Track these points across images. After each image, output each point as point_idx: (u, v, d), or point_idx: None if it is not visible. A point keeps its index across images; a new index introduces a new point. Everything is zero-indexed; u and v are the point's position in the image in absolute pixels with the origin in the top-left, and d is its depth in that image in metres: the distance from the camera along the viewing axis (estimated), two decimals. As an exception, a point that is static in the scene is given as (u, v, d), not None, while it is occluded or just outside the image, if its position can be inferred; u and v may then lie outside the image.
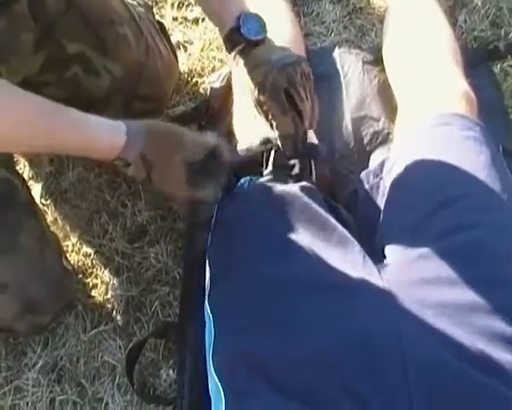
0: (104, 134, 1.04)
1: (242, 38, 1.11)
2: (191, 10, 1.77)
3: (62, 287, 1.33)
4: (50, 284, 1.28)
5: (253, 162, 1.21)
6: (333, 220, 1.13)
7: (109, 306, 1.37)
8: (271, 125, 1.13)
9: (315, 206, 1.12)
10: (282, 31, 1.47)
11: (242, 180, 1.18)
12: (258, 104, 1.13)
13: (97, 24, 1.29)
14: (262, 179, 1.18)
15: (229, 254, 1.13)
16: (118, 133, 1.04)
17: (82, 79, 1.31)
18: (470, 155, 1.17)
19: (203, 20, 1.74)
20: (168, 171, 1.08)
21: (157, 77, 1.42)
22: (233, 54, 1.14)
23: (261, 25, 1.13)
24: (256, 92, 1.11)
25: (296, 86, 1.09)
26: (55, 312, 1.33)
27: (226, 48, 1.16)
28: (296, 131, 1.12)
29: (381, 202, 1.25)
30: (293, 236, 1.08)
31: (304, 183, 1.16)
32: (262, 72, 1.10)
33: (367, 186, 1.33)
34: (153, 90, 1.41)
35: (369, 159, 1.41)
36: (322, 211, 1.13)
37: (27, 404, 1.28)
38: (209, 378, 1.03)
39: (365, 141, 1.44)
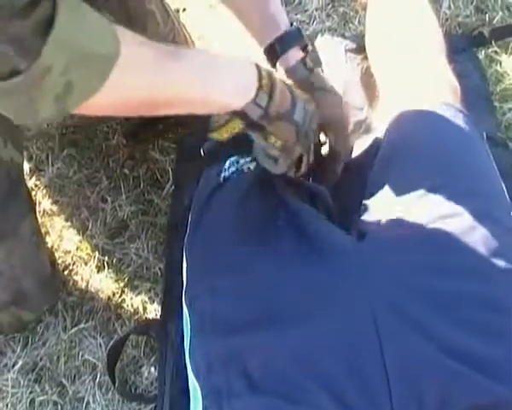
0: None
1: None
2: (172, 1, 1.74)
3: (51, 286, 1.33)
4: (42, 280, 1.29)
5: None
6: (315, 212, 1.10)
7: (90, 303, 1.36)
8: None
9: (296, 201, 1.10)
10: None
11: (228, 163, 1.16)
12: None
13: None
14: (249, 166, 1.16)
15: (206, 246, 1.11)
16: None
17: None
18: (454, 143, 1.15)
19: (184, 10, 1.71)
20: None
21: None
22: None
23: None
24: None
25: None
26: (39, 310, 1.33)
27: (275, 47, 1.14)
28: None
29: (362, 189, 1.23)
30: (274, 233, 1.06)
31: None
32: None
33: (349, 174, 1.30)
34: None
35: (352, 148, 1.39)
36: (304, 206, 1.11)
37: (7, 405, 1.26)
38: (188, 377, 1.02)
39: (348, 130, 1.41)
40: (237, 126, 0.98)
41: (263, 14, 1.13)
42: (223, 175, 1.14)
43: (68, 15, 0.72)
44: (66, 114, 0.79)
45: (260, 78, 0.94)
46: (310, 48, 1.15)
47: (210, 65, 0.92)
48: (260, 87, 0.93)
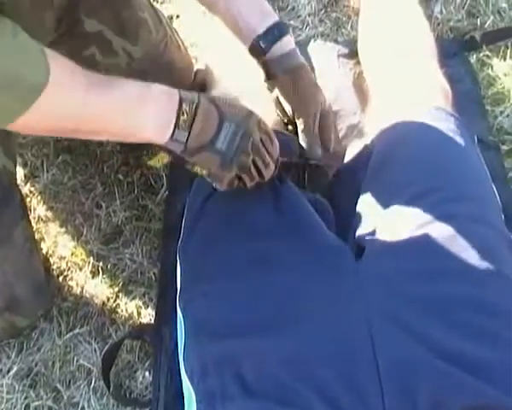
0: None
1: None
2: (166, 8, 1.75)
3: (45, 292, 1.33)
4: (36, 286, 1.29)
5: None
6: (310, 216, 1.11)
7: (84, 309, 1.36)
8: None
9: (294, 201, 1.11)
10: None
11: None
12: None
13: (117, 6, 1.26)
14: None
15: (200, 251, 1.12)
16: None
17: (99, 60, 1.28)
18: (445, 147, 1.16)
19: (177, 16, 1.72)
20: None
21: (175, 68, 1.40)
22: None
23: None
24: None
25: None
26: (33, 316, 1.33)
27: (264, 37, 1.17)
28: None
29: (356, 195, 1.24)
30: (270, 239, 1.07)
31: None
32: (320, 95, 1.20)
33: (342, 180, 1.31)
34: (172, 80, 1.37)
35: (345, 152, 1.39)
36: (301, 206, 1.11)
37: (2, 411, 1.27)
38: (182, 381, 1.02)
39: (341, 135, 1.42)
40: (166, 157, 1.03)
41: (251, 5, 1.17)
42: None
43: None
44: None
45: (179, 114, 0.96)
46: None
47: (135, 102, 0.94)
48: (177, 125, 0.96)
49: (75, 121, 0.92)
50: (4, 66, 0.79)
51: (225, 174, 1.03)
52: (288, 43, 1.17)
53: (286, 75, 1.17)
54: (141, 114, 0.95)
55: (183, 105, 0.96)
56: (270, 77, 1.19)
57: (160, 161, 1.06)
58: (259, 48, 1.16)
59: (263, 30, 1.15)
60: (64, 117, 0.91)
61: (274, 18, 1.17)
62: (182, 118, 0.96)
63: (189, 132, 0.97)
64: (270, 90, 1.22)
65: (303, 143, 1.17)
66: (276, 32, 1.16)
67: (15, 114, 0.84)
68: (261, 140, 1.04)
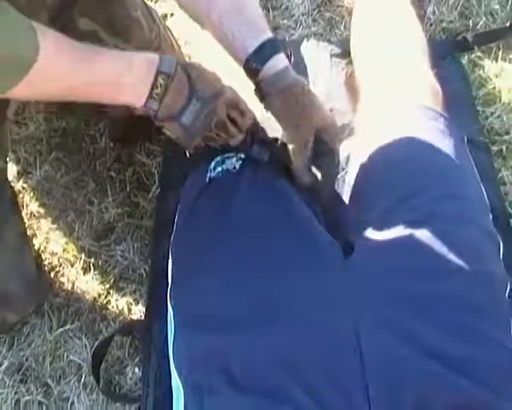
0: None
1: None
2: (160, 6, 1.75)
3: (37, 288, 1.34)
4: (27, 282, 1.29)
5: None
6: (300, 210, 1.12)
7: (75, 305, 1.37)
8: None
9: (288, 203, 1.12)
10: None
11: (213, 164, 1.17)
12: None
13: (110, 5, 1.28)
14: (235, 165, 1.17)
15: (192, 246, 1.13)
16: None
17: None
18: (433, 148, 1.16)
19: (172, 15, 1.73)
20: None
21: None
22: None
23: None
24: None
25: (324, 142, 1.11)
26: (24, 312, 1.33)
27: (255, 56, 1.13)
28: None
29: (346, 195, 1.25)
30: (262, 234, 1.08)
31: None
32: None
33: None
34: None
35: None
36: (293, 201, 1.12)
37: (-8, 405, 1.27)
38: (171, 375, 1.03)
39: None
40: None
41: (243, 21, 1.13)
42: (208, 175, 1.15)
43: None
44: None
45: (153, 87, 1.03)
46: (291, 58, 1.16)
47: (116, 73, 1.02)
48: (150, 96, 1.03)
49: (64, 90, 1.01)
50: None
51: (190, 142, 1.11)
52: (280, 60, 1.11)
53: (277, 96, 1.11)
54: (121, 82, 1.02)
55: (159, 79, 1.03)
56: (263, 98, 1.13)
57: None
58: (251, 68, 1.11)
59: (254, 48, 1.10)
60: (53, 87, 0.99)
61: (267, 35, 1.11)
62: (155, 91, 1.03)
63: (161, 102, 1.04)
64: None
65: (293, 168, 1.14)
66: (267, 50, 1.10)
67: (6, 87, 0.91)
68: (229, 117, 1.10)
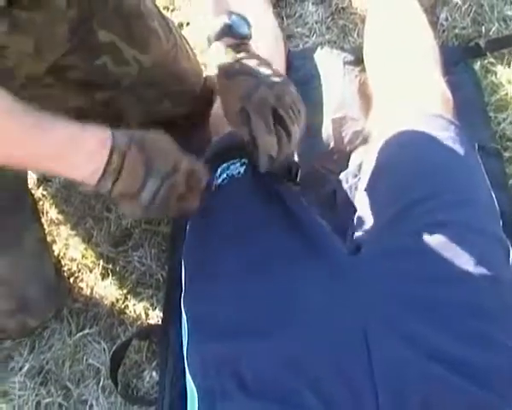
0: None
1: (232, 33, 1.13)
2: (176, 16, 1.78)
3: (56, 293, 1.37)
4: (46, 287, 1.33)
5: (236, 148, 1.20)
6: (307, 218, 1.13)
7: (94, 309, 1.40)
8: (252, 140, 1.08)
9: (295, 206, 1.14)
10: (265, 33, 1.50)
11: (219, 170, 1.18)
12: (241, 115, 1.09)
13: (128, 16, 1.28)
14: (240, 170, 1.18)
15: (203, 253, 1.15)
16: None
17: (111, 69, 1.29)
18: (444, 155, 1.17)
19: (188, 24, 1.76)
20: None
21: (185, 76, 1.42)
22: (221, 47, 1.14)
23: (248, 24, 1.15)
24: (240, 103, 1.08)
25: (286, 107, 1.06)
26: (44, 316, 1.37)
27: (210, 41, 1.16)
28: (280, 151, 1.07)
29: (359, 201, 1.27)
30: (271, 240, 1.10)
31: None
32: (249, 83, 1.08)
33: (346, 186, 1.34)
34: (181, 87, 1.39)
35: (349, 159, 1.42)
36: (301, 210, 1.14)
37: (14, 407, 1.31)
38: (186, 379, 1.05)
39: (345, 141, 1.45)
40: None
41: None
42: (215, 183, 1.17)
43: None
44: None
45: (108, 165, 0.96)
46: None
47: (66, 148, 0.95)
48: (103, 177, 0.96)
49: (6, 157, 0.95)
50: None
51: (148, 214, 1.07)
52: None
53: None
54: (72, 158, 0.96)
55: (114, 155, 0.96)
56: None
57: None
58: None
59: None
60: None
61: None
62: (108, 169, 0.96)
63: (114, 182, 0.98)
64: None
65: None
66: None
67: None
68: (187, 184, 1.05)
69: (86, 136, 0.97)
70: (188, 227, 1.21)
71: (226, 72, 1.12)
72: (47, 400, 1.31)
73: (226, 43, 1.14)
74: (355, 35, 1.70)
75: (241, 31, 1.14)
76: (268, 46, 1.49)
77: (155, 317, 1.37)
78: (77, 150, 0.96)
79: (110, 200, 1.06)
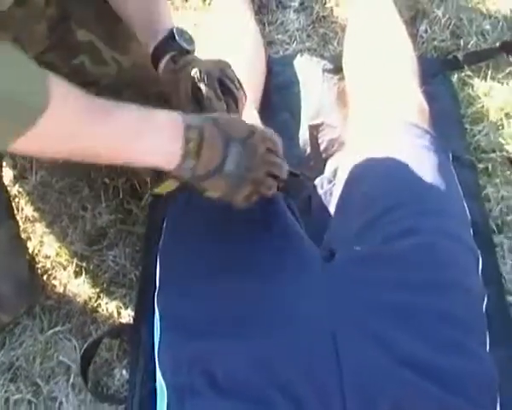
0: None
1: (176, 46, 1.16)
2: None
3: (29, 290, 1.36)
4: (19, 284, 1.31)
5: None
6: (283, 221, 1.15)
7: (67, 307, 1.39)
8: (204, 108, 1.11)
9: (271, 207, 1.15)
10: (246, 38, 1.51)
11: None
12: (193, 93, 1.12)
13: (108, 18, 1.27)
14: None
15: (180, 252, 1.16)
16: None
17: (89, 68, 1.30)
18: (417, 163, 1.19)
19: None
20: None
21: None
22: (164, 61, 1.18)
23: (191, 38, 1.20)
24: (190, 82, 1.12)
25: (230, 77, 1.14)
26: (16, 313, 1.36)
27: (154, 57, 1.19)
28: (228, 112, 1.12)
29: (333, 206, 1.28)
30: (248, 242, 1.11)
31: None
32: (195, 68, 1.13)
33: (321, 192, 1.36)
34: (160, 88, 1.34)
35: (324, 165, 1.44)
36: (277, 213, 1.15)
37: (-18, 403, 1.30)
38: (156, 376, 1.06)
39: (322, 148, 1.46)
40: (173, 185, 1.02)
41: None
42: None
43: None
44: None
45: (186, 142, 0.95)
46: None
47: (137, 129, 0.93)
48: (185, 154, 0.95)
49: (75, 146, 0.90)
50: (5, 91, 0.79)
51: (238, 192, 1.03)
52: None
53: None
54: (140, 145, 0.94)
55: (190, 133, 0.95)
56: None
57: (167, 187, 1.02)
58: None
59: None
60: (63, 141, 0.89)
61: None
62: (188, 146, 0.95)
63: (198, 158, 0.96)
64: None
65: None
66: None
67: (13, 136, 0.82)
68: (267, 149, 1.04)
69: (155, 114, 0.96)
70: (164, 226, 1.21)
71: (173, 69, 1.17)
72: (16, 396, 1.30)
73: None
74: (335, 43, 1.72)
75: (188, 47, 1.18)
76: (249, 52, 1.51)
77: (127, 316, 1.37)
78: (151, 129, 0.94)
79: (192, 186, 1.00)
